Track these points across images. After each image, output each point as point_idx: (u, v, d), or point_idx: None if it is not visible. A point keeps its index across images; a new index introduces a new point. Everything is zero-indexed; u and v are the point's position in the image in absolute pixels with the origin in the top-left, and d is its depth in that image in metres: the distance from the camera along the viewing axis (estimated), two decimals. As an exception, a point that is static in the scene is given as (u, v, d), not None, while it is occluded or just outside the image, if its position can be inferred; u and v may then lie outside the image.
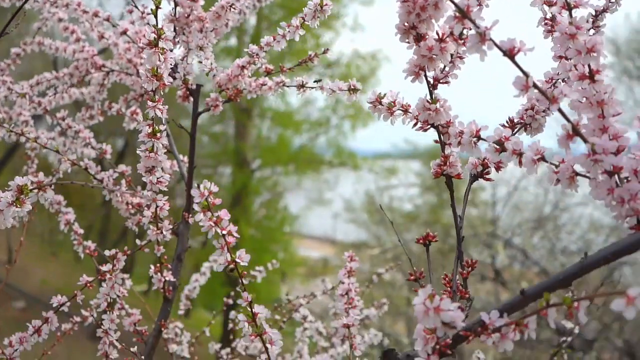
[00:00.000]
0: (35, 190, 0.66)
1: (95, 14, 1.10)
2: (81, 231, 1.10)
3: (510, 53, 0.51)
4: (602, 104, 0.54)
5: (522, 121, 0.69)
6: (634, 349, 5.63)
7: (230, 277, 1.42)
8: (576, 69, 0.55)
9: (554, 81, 0.69)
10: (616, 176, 0.53)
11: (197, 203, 0.61)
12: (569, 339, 1.07)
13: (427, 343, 0.53)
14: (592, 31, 0.73)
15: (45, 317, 0.90)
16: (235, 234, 0.63)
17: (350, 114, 11.60)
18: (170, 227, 0.91)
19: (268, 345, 0.65)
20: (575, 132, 0.52)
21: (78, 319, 1.12)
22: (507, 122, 0.69)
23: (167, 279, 0.97)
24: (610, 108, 0.54)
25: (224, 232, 0.62)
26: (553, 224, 6.03)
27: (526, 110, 0.69)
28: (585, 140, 0.51)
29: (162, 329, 0.99)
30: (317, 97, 12.04)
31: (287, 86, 0.97)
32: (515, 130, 0.69)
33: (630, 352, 5.56)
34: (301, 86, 0.95)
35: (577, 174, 0.55)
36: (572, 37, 0.53)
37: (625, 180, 0.52)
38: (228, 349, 1.31)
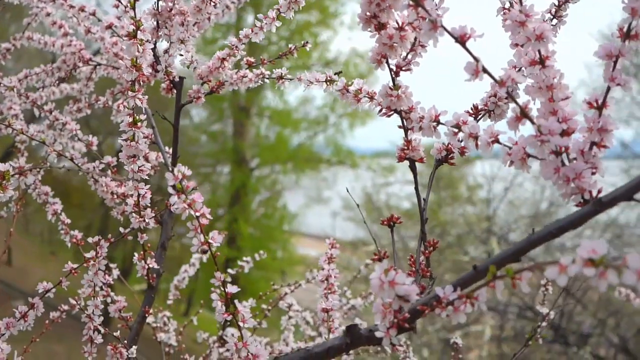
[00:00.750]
0: (17, 176, 0.69)
1: (82, 9, 1.13)
2: (68, 221, 1.12)
3: (461, 39, 0.54)
4: (552, 88, 0.56)
5: (485, 108, 0.71)
6: (629, 344, 5.66)
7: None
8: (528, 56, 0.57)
9: (516, 69, 0.72)
10: (565, 156, 0.55)
11: (171, 186, 0.64)
12: (543, 324, 1.10)
13: (385, 316, 0.56)
14: (554, 21, 0.76)
15: (31, 302, 0.93)
16: (208, 216, 0.65)
17: (349, 112, 11.63)
18: (153, 215, 0.94)
19: (240, 323, 0.67)
20: (523, 114, 0.54)
21: (66, 307, 1.15)
22: (471, 108, 0.72)
23: (150, 266, 1.00)
24: (559, 92, 0.56)
25: (198, 214, 0.65)
26: (549, 221, 6.06)
27: (489, 97, 0.71)
28: (532, 122, 0.54)
29: (146, 315, 1.01)
30: (316, 96, 12.06)
31: (267, 78, 1.00)
32: (480, 116, 0.71)
33: (625, 347, 5.59)
34: (280, 78, 0.98)
35: (529, 155, 0.57)
36: (522, 25, 0.56)
37: (573, 161, 0.55)
38: (215, 337, 1.34)
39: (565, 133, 0.56)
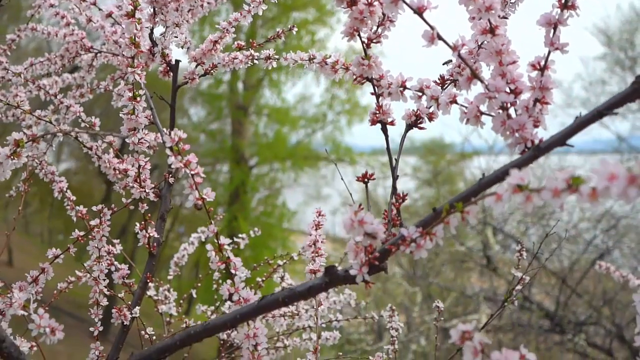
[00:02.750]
0: (30, 143, 0.77)
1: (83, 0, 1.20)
2: (73, 198, 1.20)
3: (419, 10, 0.62)
4: (501, 53, 0.64)
5: (451, 78, 0.79)
6: (624, 332, 5.74)
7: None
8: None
9: (479, 43, 0.80)
10: (512, 111, 0.63)
11: (168, 147, 0.72)
12: (520, 287, 1.18)
13: (357, 254, 0.64)
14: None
15: (42, 267, 1.01)
16: (202, 175, 0.73)
17: (347, 109, 11.71)
18: (153, 186, 1.02)
19: (233, 271, 0.76)
20: (473, 75, 0.62)
21: (72, 278, 1.23)
22: (438, 78, 0.80)
23: (151, 235, 1.08)
24: (507, 57, 0.64)
25: (193, 172, 0.73)
26: (543, 212, 6.14)
27: (454, 67, 0.79)
28: (482, 81, 0.62)
29: (148, 281, 1.09)
30: (314, 93, 12.13)
31: (256, 59, 1.08)
32: (446, 85, 0.79)
33: (620, 335, 5.67)
34: (268, 58, 1.06)
35: (482, 112, 0.65)
36: (474, -2, 0.64)
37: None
38: (213, 307, 1.42)
39: (514, 92, 0.64)
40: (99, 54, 1.30)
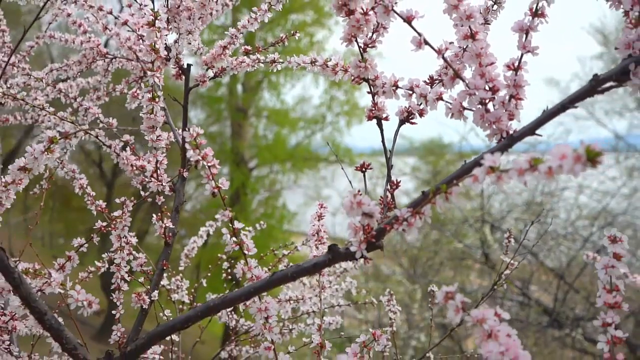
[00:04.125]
0: (63, 139, 0.86)
1: (100, 8, 1.29)
2: (93, 193, 1.29)
3: (408, 20, 0.71)
4: (480, 56, 0.73)
5: (439, 78, 0.88)
6: (621, 328, 5.82)
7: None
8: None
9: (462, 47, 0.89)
10: (490, 106, 0.73)
11: (187, 142, 0.81)
12: (507, 272, 1.27)
13: (356, 233, 0.73)
14: (495, 7, 0.93)
15: (68, 255, 1.10)
16: (218, 166, 0.83)
17: (346, 110, 11.81)
18: (169, 180, 1.11)
19: (246, 252, 0.85)
20: (456, 75, 0.72)
21: (92, 268, 1.32)
22: (428, 78, 0.89)
23: (167, 225, 1.17)
24: (486, 59, 0.73)
25: (210, 164, 0.82)
26: (540, 209, 6.24)
27: (442, 69, 0.88)
28: (463, 80, 0.71)
29: (164, 268, 1.18)
30: (313, 95, 12.22)
31: (262, 62, 1.17)
32: (434, 84, 0.89)
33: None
34: (273, 61, 1.15)
35: (464, 107, 0.75)
36: (456, 8, 0.73)
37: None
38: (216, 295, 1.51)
39: (492, 90, 0.73)
40: (114, 59, 1.39)
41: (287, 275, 0.78)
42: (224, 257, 1.63)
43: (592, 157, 0.47)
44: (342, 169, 1.39)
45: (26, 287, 0.77)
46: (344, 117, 11.93)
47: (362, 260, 0.76)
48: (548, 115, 0.66)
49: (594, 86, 0.64)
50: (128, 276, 1.13)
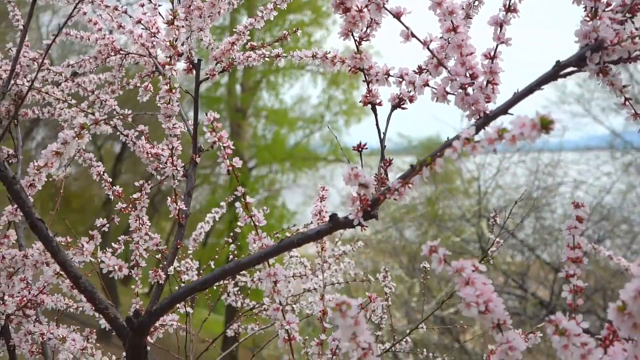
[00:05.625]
0: (93, 125, 0.96)
1: (115, 8, 1.40)
2: (110, 179, 1.40)
3: (397, 15, 0.81)
4: (461, 47, 0.84)
5: (426, 67, 0.99)
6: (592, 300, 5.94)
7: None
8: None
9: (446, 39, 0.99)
10: (470, 90, 0.83)
11: (205, 125, 0.92)
12: (492, 248, 1.37)
13: (354, 202, 0.84)
14: (477, 2, 1.03)
15: (91, 234, 1.20)
16: (232, 147, 0.93)
17: (344, 110, 11.92)
18: (183, 164, 1.22)
19: (257, 223, 0.95)
20: (439, 63, 0.82)
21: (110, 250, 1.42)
22: (417, 68, 0.99)
23: (180, 207, 1.27)
24: (466, 49, 0.84)
25: (225, 145, 0.93)
26: (536, 204, 6.35)
27: (428, 59, 0.99)
28: (445, 68, 0.82)
29: (178, 247, 1.29)
30: (311, 95, 12.31)
31: (267, 57, 1.28)
32: (423, 73, 0.99)
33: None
34: (277, 56, 1.25)
35: (447, 92, 0.85)
36: (439, 5, 0.83)
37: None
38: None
39: (471, 76, 0.84)
40: (127, 55, 1.50)
41: (293, 241, 0.88)
42: (230, 240, 1.73)
43: (545, 125, 0.58)
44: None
45: (63, 254, 0.87)
46: (343, 117, 12.03)
47: (359, 228, 0.86)
48: (518, 97, 0.77)
49: (557, 71, 0.75)
50: (146, 253, 1.23)
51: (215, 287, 1.73)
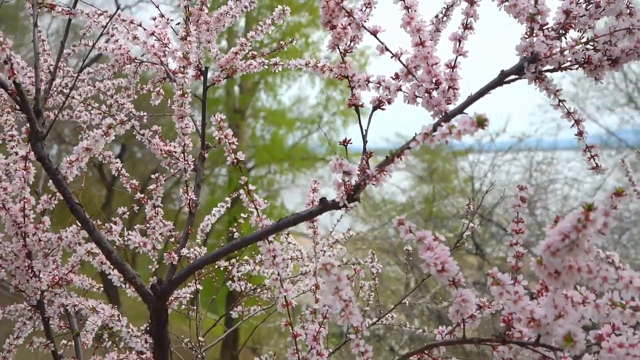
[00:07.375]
0: (119, 125, 1.14)
1: (131, 22, 1.57)
2: (127, 174, 1.57)
3: (374, 32, 0.99)
4: (427, 58, 1.02)
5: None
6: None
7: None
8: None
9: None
10: (434, 93, 1.01)
11: (213, 125, 1.09)
12: (467, 232, 1.54)
13: (339, 187, 1.01)
14: (445, 18, 1.21)
15: (114, 220, 1.38)
16: (236, 142, 1.11)
17: (342, 110, 12.09)
18: (193, 159, 1.39)
19: (258, 207, 1.13)
20: (409, 72, 1.00)
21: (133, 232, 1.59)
22: (394, 74, 1.17)
23: (191, 198, 1.45)
24: (431, 60, 1.02)
25: (230, 141, 1.10)
26: (529, 202, 6.53)
27: (401, 68, 1.16)
28: (414, 76, 1.00)
29: (189, 233, 1.46)
30: (309, 95, 12.48)
31: (267, 65, 1.45)
32: (397, 79, 1.17)
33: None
34: (276, 64, 1.43)
35: (416, 95, 1.03)
36: (409, 23, 1.01)
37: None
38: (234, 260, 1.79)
39: (435, 83, 1.01)
40: (141, 64, 1.67)
41: (289, 220, 1.06)
42: (234, 230, 1.90)
43: (481, 122, 0.76)
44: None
45: (98, 233, 1.05)
46: (341, 117, 12.19)
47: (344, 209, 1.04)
48: (469, 101, 0.94)
49: (502, 78, 0.93)
50: (161, 236, 1.41)
51: (221, 269, 1.90)
